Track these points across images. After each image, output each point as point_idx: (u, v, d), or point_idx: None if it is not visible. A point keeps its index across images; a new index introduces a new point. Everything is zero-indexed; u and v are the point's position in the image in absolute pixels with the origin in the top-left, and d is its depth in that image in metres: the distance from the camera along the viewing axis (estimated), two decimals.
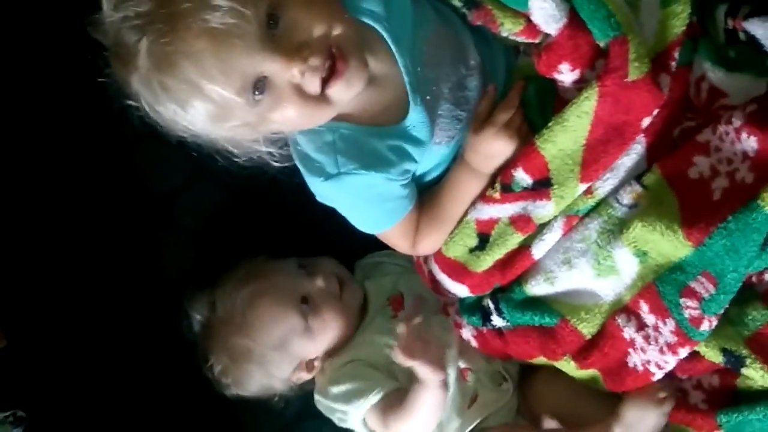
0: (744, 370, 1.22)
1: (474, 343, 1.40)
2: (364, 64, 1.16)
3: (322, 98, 1.13)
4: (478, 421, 1.42)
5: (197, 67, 1.07)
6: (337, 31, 1.12)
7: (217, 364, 1.46)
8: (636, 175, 1.22)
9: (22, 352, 1.52)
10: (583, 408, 1.35)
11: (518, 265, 1.30)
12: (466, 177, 1.28)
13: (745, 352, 1.21)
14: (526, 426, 1.42)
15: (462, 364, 1.43)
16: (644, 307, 1.24)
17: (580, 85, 1.21)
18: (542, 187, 1.24)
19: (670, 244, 1.18)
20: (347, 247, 1.51)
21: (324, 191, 1.27)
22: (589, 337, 1.28)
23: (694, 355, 1.25)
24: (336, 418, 1.47)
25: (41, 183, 1.53)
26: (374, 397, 1.41)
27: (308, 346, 1.46)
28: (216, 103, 1.10)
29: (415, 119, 1.22)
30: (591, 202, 1.24)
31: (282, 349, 1.45)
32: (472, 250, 1.31)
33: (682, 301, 1.21)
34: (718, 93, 1.21)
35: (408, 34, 1.22)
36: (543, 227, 1.27)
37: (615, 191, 1.23)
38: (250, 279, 1.46)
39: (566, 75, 1.22)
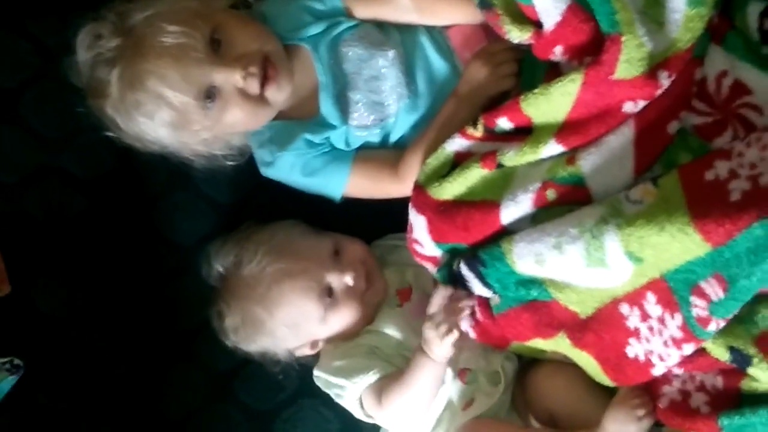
0: (750, 370, 1.15)
1: (472, 334, 1.35)
2: (290, 72, 1.39)
3: (261, 99, 1.35)
4: None
5: (161, 79, 1.30)
6: (266, 47, 1.36)
7: (229, 320, 1.44)
8: (625, 163, 1.21)
9: (24, 299, 1.51)
10: (579, 407, 1.30)
11: (484, 221, 1.27)
12: (452, 104, 1.38)
13: (752, 350, 1.14)
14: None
15: (461, 364, 1.39)
16: (651, 298, 1.17)
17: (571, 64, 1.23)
18: (522, 133, 1.26)
19: (681, 246, 1.12)
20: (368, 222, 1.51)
21: (272, 176, 1.45)
22: (583, 316, 1.23)
23: (699, 351, 1.18)
24: (333, 393, 1.43)
25: None
26: (373, 376, 1.38)
27: (320, 331, 1.43)
28: (177, 109, 1.32)
29: (326, 111, 1.42)
30: (571, 170, 1.22)
31: (294, 328, 1.42)
32: (439, 179, 1.32)
33: (692, 299, 1.15)
34: (742, 89, 1.18)
35: (327, 38, 1.42)
36: (515, 186, 1.26)
37: (600, 171, 1.21)
38: (284, 254, 1.42)
39: (559, 57, 1.25)
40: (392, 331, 1.43)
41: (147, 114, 1.33)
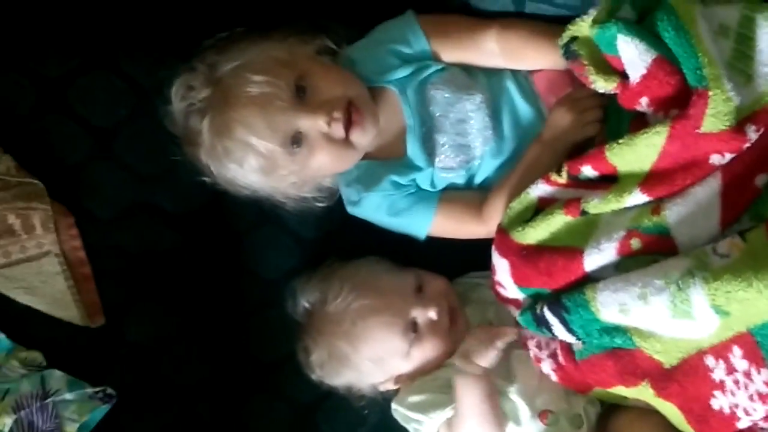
0: None
1: (554, 377, 1.36)
2: (375, 115, 1.41)
3: (347, 143, 1.38)
4: None
5: (247, 127, 1.35)
6: (350, 91, 1.38)
7: (315, 356, 1.47)
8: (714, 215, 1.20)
9: (117, 330, 1.55)
10: None
11: (567, 267, 1.27)
12: (536, 149, 1.40)
13: None
14: None
15: (542, 406, 1.39)
16: (737, 352, 1.16)
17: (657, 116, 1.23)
18: (606, 181, 1.27)
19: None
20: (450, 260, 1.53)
21: (358, 214, 1.49)
22: (668, 366, 1.23)
23: None
24: (411, 428, 1.45)
25: None
26: (450, 411, 1.39)
27: (404, 365, 1.46)
28: (264, 156, 1.36)
29: (413, 153, 1.44)
30: (656, 220, 1.21)
31: (379, 363, 1.45)
32: (522, 223, 1.33)
33: None
34: None
35: (414, 81, 1.43)
36: (599, 234, 1.25)
37: (686, 222, 1.20)
38: (368, 290, 1.45)
39: (645, 108, 1.25)
40: None
41: (236, 161, 1.39)
